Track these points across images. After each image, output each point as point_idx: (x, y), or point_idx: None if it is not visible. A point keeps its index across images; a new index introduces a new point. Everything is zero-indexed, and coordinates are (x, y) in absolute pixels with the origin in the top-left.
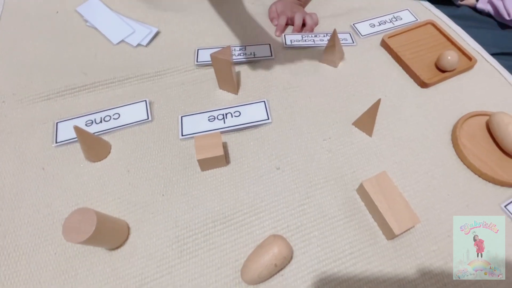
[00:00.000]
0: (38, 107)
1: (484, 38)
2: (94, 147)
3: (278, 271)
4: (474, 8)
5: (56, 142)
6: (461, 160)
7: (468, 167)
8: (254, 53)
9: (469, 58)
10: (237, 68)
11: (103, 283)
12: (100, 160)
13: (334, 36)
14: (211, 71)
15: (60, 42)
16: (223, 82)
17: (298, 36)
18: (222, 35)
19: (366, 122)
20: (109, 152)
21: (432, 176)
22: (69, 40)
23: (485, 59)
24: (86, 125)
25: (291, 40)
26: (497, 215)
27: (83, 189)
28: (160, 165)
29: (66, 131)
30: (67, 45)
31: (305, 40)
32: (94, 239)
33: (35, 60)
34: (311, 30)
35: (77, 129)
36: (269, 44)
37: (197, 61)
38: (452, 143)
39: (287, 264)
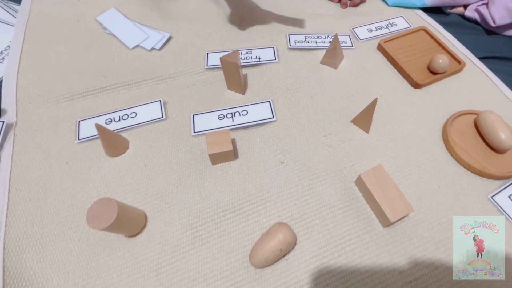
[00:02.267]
0: (62, 107)
1: (472, 43)
2: (114, 143)
3: (283, 256)
4: (462, 16)
5: (79, 139)
6: (451, 155)
7: (457, 161)
8: (259, 56)
9: (459, 61)
10: (244, 71)
11: (123, 267)
12: (119, 155)
13: (335, 40)
14: (220, 73)
15: (81, 47)
16: (231, 83)
17: (301, 37)
18: (229, 40)
19: (364, 119)
20: (127, 148)
21: (424, 169)
22: (89, 46)
23: (473, 63)
24: (105, 123)
25: (295, 41)
26: (484, 205)
27: (104, 181)
28: (174, 159)
29: (88, 129)
30: (87, 50)
31: (308, 41)
32: (115, 226)
33: (58, 64)
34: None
35: (98, 126)
36: (273, 47)
37: (207, 65)
38: (443, 139)
39: (291, 250)
